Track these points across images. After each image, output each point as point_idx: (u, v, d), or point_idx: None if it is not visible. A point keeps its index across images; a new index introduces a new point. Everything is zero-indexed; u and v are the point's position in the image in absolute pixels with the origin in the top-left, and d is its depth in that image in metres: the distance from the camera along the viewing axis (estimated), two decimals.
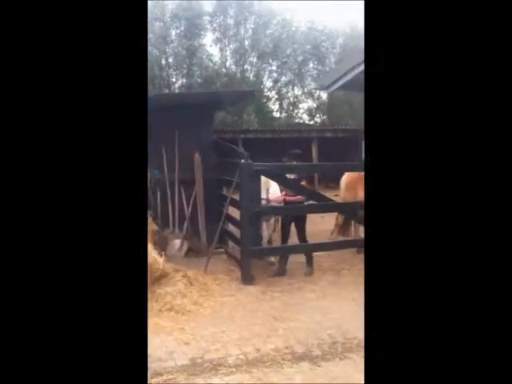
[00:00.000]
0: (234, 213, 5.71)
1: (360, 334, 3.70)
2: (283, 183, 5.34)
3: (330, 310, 4.28)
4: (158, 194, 6.40)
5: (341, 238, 6.59)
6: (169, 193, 6.47)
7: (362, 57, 6.20)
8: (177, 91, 17.82)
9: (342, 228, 6.74)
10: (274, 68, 20.30)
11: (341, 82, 7.00)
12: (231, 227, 5.95)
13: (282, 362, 3.24)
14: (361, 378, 3.00)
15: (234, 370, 3.11)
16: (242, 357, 3.30)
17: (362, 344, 3.52)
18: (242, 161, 5.09)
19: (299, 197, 5.38)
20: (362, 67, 6.21)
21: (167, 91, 17.33)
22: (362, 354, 3.41)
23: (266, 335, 3.68)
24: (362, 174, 6.41)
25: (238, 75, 19.41)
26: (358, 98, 18.96)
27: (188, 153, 6.39)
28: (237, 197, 5.36)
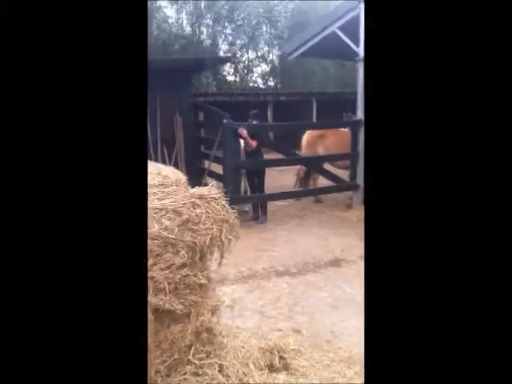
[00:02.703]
0: (213, 168, 6.59)
1: (324, 258, 4.85)
2: (261, 140, 6.15)
3: (299, 242, 5.41)
4: None
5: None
6: (152, 151, 7.16)
7: (319, 26, 7.16)
8: None
9: (303, 181, 7.73)
10: (229, 31, 20.64)
11: (302, 50, 7.83)
12: (209, 180, 6.73)
13: (270, 276, 4.31)
14: (327, 283, 4.12)
15: (235, 282, 4.13)
16: (238, 274, 4.32)
17: (328, 264, 4.68)
18: (225, 121, 5.77)
19: (255, 143, 6.05)
20: (322, 35, 7.15)
21: None
22: (328, 268, 4.58)
23: (253, 260, 4.72)
24: (322, 132, 7.44)
25: (196, 38, 19.62)
26: (309, 62, 19.89)
27: (169, 114, 7.04)
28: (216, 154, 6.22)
